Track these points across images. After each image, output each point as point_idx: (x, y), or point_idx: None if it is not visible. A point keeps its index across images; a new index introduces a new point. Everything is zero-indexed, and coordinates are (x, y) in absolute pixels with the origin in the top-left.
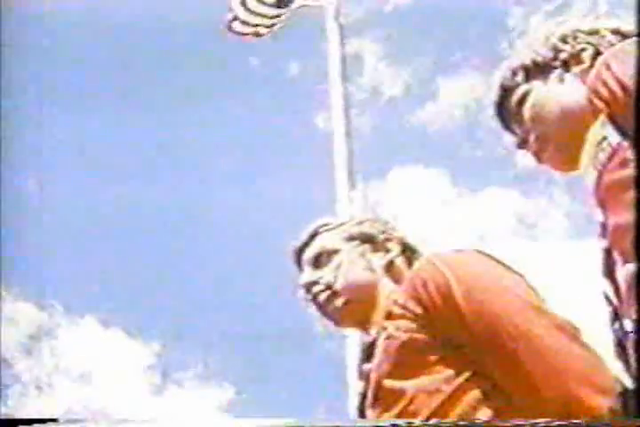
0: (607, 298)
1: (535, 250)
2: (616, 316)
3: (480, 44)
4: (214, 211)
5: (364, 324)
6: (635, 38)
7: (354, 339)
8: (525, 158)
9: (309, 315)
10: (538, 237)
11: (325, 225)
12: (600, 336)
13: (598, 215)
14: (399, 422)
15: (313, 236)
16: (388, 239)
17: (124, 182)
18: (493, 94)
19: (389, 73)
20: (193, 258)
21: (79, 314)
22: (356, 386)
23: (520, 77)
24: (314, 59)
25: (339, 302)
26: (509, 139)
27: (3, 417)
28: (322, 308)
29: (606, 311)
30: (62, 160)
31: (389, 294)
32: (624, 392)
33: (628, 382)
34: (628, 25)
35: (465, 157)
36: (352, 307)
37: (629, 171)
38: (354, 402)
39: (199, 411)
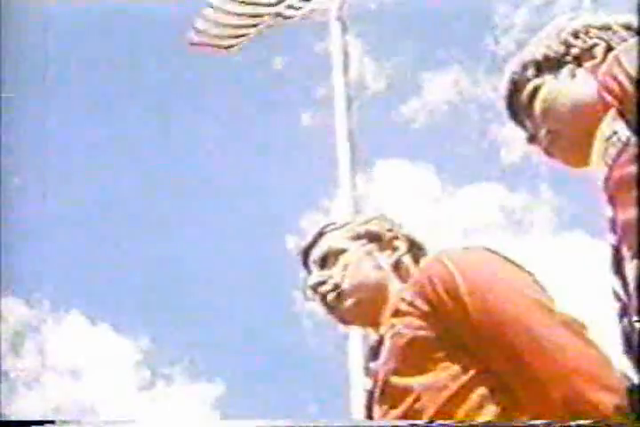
0: (615, 294)
1: (522, 244)
2: (624, 312)
3: (464, 40)
4: (204, 208)
5: (371, 322)
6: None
7: (355, 337)
8: (510, 153)
9: (303, 312)
10: (524, 231)
11: (331, 224)
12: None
13: (607, 211)
14: (395, 422)
15: (319, 236)
16: (394, 237)
17: (113, 178)
18: (478, 90)
19: (373, 68)
20: (182, 253)
21: (66, 310)
22: (356, 383)
23: (531, 72)
24: (300, 55)
25: (347, 301)
26: (494, 133)
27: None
28: (331, 307)
29: (595, 306)
30: (54, 157)
31: (397, 291)
32: (631, 389)
33: (636, 379)
34: None
35: (450, 152)
36: (360, 306)
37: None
38: (348, 399)
39: (189, 408)
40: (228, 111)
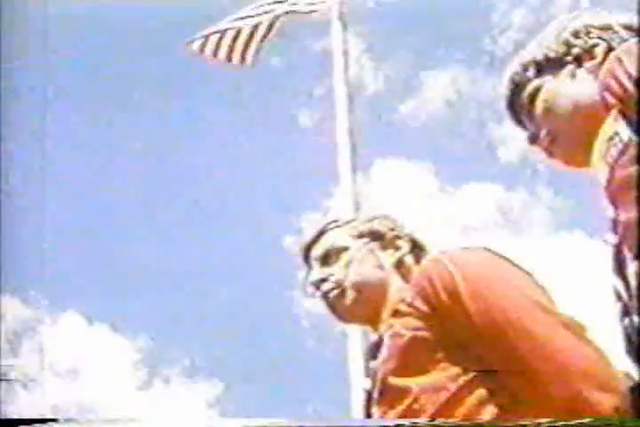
0: (617, 294)
1: (520, 244)
2: (626, 312)
3: (463, 39)
4: (202, 207)
5: (371, 321)
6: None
7: (355, 336)
8: (509, 152)
9: (300, 311)
10: (522, 230)
11: (334, 222)
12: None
13: (609, 211)
14: (395, 421)
15: (321, 233)
16: (397, 237)
17: (112, 177)
18: (477, 89)
19: (372, 67)
20: (180, 253)
21: (64, 309)
22: (355, 383)
23: (531, 72)
24: (297, 55)
25: (348, 298)
26: (492, 133)
27: (2, 417)
28: (331, 305)
29: (595, 306)
30: (55, 157)
31: (397, 291)
32: (634, 388)
33: (637, 378)
34: None
35: (448, 151)
36: (360, 304)
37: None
38: (347, 399)
39: (188, 407)
40: (227, 110)
